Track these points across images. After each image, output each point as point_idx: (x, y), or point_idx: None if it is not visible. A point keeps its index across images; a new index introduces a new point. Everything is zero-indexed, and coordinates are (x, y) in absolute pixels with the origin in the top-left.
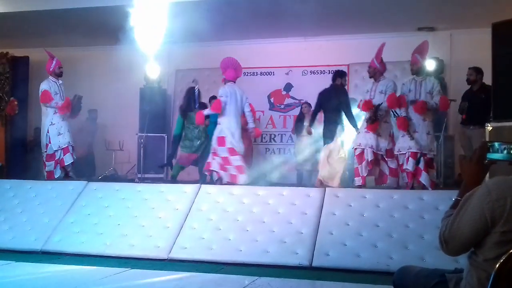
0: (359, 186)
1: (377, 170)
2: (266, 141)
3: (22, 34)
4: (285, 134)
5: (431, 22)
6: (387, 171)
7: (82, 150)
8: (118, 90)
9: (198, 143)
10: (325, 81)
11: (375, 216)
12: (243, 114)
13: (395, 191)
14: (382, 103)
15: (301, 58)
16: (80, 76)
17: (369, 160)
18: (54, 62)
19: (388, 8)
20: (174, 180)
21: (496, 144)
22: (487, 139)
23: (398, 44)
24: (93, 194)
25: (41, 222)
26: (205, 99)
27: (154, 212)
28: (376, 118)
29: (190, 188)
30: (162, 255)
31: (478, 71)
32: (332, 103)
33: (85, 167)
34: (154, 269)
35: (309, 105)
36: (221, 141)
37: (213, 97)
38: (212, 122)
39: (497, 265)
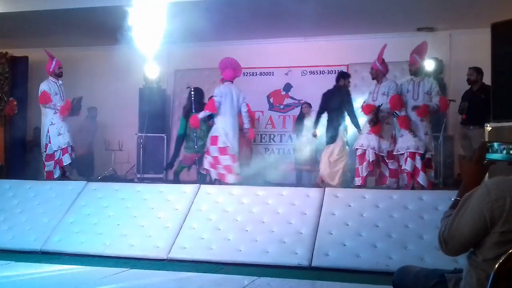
0: (359, 186)
1: (377, 171)
2: (266, 141)
3: (22, 34)
4: (284, 134)
5: (430, 22)
6: (387, 173)
7: (82, 149)
8: (118, 90)
9: (201, 143)
10: (325, 81)
11: (374, 216)
12: (240, 114)
13: (394, 191)
14: (382, 104)
15: (300, 58)
16: (80, 76)
17: (371, 160)
18: (54, 62)
19: (387, 8)
20: (177, 176)
21: (496, 144)
22: (486, 139)
23: (397, 44)
24: (92, 194)
25: (40, 222)
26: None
27: (153, 212)
28: (377, 120)
29: (189, 188)
30: (162, 255)
31: (478, 71)
32: (335, 103)
33: (85, 167)
34: (153, 269)
35: (309, 105)
36: (214, 140)
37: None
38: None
39: (497, 265)
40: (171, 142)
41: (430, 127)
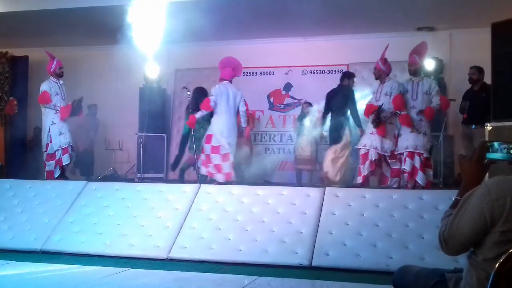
0: (360, 185)
1: (378, 171)
2: (266, 141)
3: (22, 33)
4: (284, 134)
5: (430, 22)
6: (388, 173)
7: (83, 146)
8: (118, 90)
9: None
10: (325, 81)
11: (374, 216)
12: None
13: (394, 191)
14: (383, 104)
15: (300, 58)
16: (80, 75)
17: (373, 159)
18: (54, 62)
19: (388, 8)
20: (182, 176)
21: (496, 143)
22: (486, 139)
23: (397, 44)
24: (92, 194)
25: (40, 221)
26: None
27: (153, 212)
28: (380, 120)
29: (189, 188)
30: (162, 254)
31: (480, 70)
32: (339, 103)
33: (85, 166)
34: (153, 269)
35: (310, 104)
36: (208, 138)
37: None
38: None
39: (497, 265)
40: (171, 141)
41: (429, 126)
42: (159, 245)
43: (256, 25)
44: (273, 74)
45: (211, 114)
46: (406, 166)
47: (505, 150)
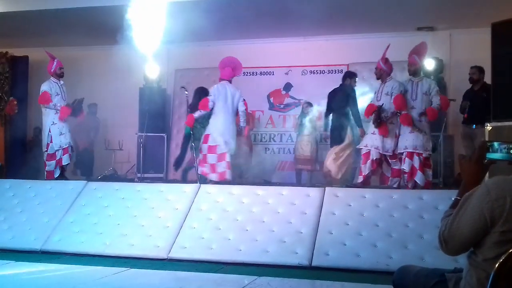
0: (361, 185)
1: (379, 171)
2: (266, 141)
3: (22, 33)
4: (284, 134)
5: (430, 22)
6: (388, 173)
7: (84, 145)
8: (118, 90)
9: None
10: (325, 81)
11: (374, 216)
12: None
13: (394, 191)
14: (383, 104)
15: (300, 58)
16: (80, 75)
17: (374, 159)
18: (55, 63)
19: (387, 8)
20: (185, 174)
21: (496, 143)
22: (486, 139)
23: (397, 44)
24: (92, 194)
25: (40, 221)
26: None
27: (153, 212)
28: (381, 120)
29: (189, 188)
30: (162, 254)
31: (481, 70)
32: (340, 103)
33: (85, 166)
34: (153, 269)
35: (310, 104)
36: (206, 138)
37: None
38: None
39: (497, 265)
40: (171, 141)
41: (428, 126)
42: (159, 245)
43: (256, 25)
44: (273, 74)
45: (209, 114)
46: (405, 166)
47: (505, 150)
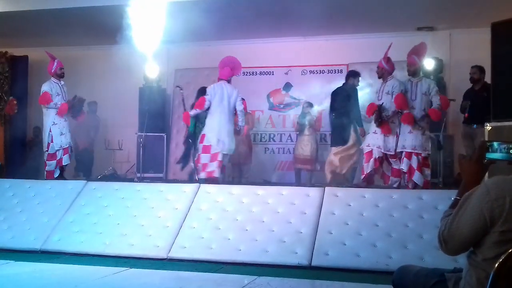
0: (365, 184)
1: (381, 170)
2: (266, 141)
3: (21, 33)
4: (284, 133)
5: (430, 22)
6: (389, 173)
7: (84, 144)
8: (118, 90)
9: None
10: (325, 81)
11: (374, 216)
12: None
13: (394, 191)
14: (383, 103)
15: (300, 57)
16: (80, 75)
17: (376, 157)
18: (55, 63)
19: (387, 8)
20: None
21: (495, 143)
22: (486, 139)
23: (397, 44)
24: (92, 194)
25: (40, 221)
26: None
27: (153, 212)
28: (382, 119)
29: (189, 188)
30: (162, 254)
31: (481, 70)
32: (342, 102)
33: (85, 165)
34: (153, 269)
35: (310, 104)
36: (202, 138)
37: None
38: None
39: (496, 265)
40: (171, 141)
41: (427, 126)
42: (159, 245)
43: (256, 25)
44: (273, 74)
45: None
46: (403, 166)
47: (505, 150)
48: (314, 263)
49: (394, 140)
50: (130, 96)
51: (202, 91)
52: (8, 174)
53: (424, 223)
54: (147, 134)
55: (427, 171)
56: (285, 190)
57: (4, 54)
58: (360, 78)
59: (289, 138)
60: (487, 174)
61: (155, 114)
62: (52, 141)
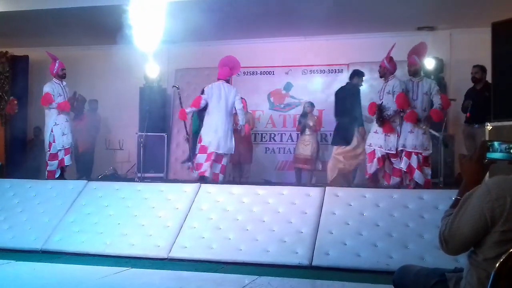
0: (370, 183)
1: (383, 170)
2: (266, 141)
3: (22, 33)
4: (285, 133)
5: (431, 22)
6: (390, 172)
7: (86, 144)
8: (118, 90)
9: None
10: (325, 81)
11: (375, 216)
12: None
13: (395, 191)
14: (382, 103)
15: (301, 57)
16: (80, 75)
17: (380, 156)
18: (57, 64)
19: (388, 8)
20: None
21: (496, 143)
22: (487, 139)
23: (398, 44)
24: (93, 194)
25: (41, 221)
26: None
27: (154, 212)
28: (383, 119)
29: (190, 188)
30: (162, 254)
31: (483, 69)
32: (347, 102)
33: (85, 166)
34: (154, 269)
35: (312, 104)
36: (200, 138)
37: None
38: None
39: (497, 265)
40: (172, 141)
41: (428, 126)
42: (160, 245)
43: (256, 24)
44: (273, 74)
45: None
46: (402, 165)
47: (505, 149)
48: (314, 263)
49: (395, 139)
50: (131, 96)
51: (203, 92)
52: (9, 174)
53: (425, 223)
54: (148, 134)
55: (428, 170)
56: (286, 190)
57: (4, 54)
58: (363, 78)
59: (289, 138)
60: (487, 174)
61: (156, 114)
62: (54, 141)
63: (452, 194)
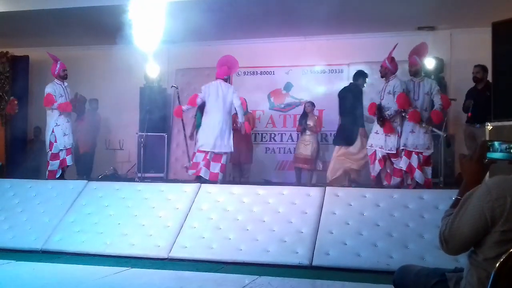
0: (375, 184)
1: (385, 170)
2: (266, 140)
3: (22, 33)
4: (285, 133)
5: (431, 22)
6: (391, 172)
7: (87, 145)
8: (118, 89)
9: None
10: (326, 81)
11: (375, 215)
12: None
13: (395, 191)
14: (381, 102)
15: (301, 57)
16: (80, 75)
17: (381, 157)
18: (58, 65)
19: (388, 8)
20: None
21: (496, 143)
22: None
23: (398, 44)
24: (93, 193)
25: (41, 221)
26: None
27: (154, 212)
28: (384, 119)
29: (190, 188)
30: (162, 254)
31: (484, 69)
32: (350, 102)
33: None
34: (154, 268)
35: (312, 104)
36: (197, 137)
37: None
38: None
39: (497, 264)
40: (172, 141)
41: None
42: (160, 245)
43: (256, 24)
44: (273, 74)
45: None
46: (402, 164)
47: (506, 149)
48: (315, 263)
49: (395, 139)
50: (131, 96)
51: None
52: (9, 174)
53: (425, 222)
54: (148, 134)
55: (428, 170)
56: (286, 190)
57: (5, 54)
58: (367, 79)
59: (289, 138)
60: (488, 173)
61: (156, 114)
62: (56, 141)
63: (452, 194)
